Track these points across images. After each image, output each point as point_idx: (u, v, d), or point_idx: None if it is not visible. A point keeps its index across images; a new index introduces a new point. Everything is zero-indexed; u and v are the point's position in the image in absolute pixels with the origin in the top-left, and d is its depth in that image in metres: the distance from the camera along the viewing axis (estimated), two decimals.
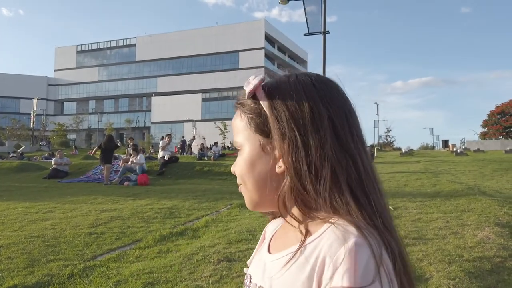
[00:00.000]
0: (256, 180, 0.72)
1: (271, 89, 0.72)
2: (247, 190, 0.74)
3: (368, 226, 0.61)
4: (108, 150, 12.26)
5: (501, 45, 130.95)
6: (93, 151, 15.45)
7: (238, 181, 0.76)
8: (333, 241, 0.59)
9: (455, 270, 3.34)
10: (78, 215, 6.39)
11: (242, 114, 0.75)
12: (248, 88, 0.74)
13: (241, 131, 0.75)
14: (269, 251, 0.75)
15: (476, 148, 27.67)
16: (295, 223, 0.68)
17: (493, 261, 3.59)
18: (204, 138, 23.05)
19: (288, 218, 0.70)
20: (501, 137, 45.41)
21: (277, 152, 0.70)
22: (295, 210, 0.69)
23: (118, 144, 15.10)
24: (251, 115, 0.74)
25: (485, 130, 51.02)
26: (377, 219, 0.63)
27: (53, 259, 4.05)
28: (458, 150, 24.24)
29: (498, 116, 49.59)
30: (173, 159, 14.58)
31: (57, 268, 3.78)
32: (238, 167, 0.75)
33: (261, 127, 0.72)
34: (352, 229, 0.60)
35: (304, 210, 0.67)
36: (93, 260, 4.06)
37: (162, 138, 16.01)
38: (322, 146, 0.66)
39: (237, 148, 0.76)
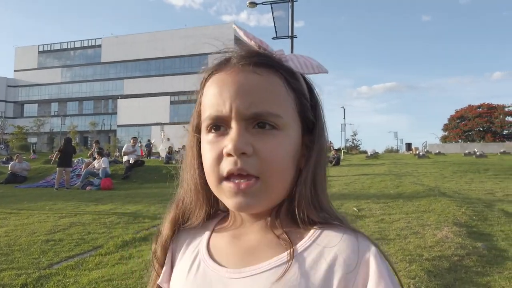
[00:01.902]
0: (285, 179, 0.55)
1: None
2: (267, 185, 0.53)
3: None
4: (68, 153, 11.92)
5: (459, 52, 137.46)
6: (54, 156, 14.87)
7: (254, 170, 0.52)
8: (349, 245, 0.54)
9: (415, 269, 3.43)
10: (35, 222, 6.09)
11: (284, 81, 0.54)
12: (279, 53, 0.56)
13: (282, 103, 0.54)
14: (219, 265, 0.59)
15: (437, 151, 28.75)
16: (267, 229, 0.59)
17: (451, 260, 3.71)
18: (169, 139, 22.60)
19: (260, 224, 0.60)
20: (460, 141, 47.51)
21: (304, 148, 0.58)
22: (283, 215, 0.60)
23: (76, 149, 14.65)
24: (297, 88, 0.55)
25: (446, 133, 53.20)
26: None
27: (5, 268, 3.83)
28: (421, 153, 25.06)
29: (458, 121, 51.83)
30: (138, 163, 14.23)
31: (9, 277, 3.57)
32: (273, 152, 0.53)
33: (306, 112, 0.57)
34: (362, 237, 0.56)
35: (309, 215, 0.58)
36: (49, 269, 3.87)
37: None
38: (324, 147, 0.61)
39: (269, 121, 0.53)
